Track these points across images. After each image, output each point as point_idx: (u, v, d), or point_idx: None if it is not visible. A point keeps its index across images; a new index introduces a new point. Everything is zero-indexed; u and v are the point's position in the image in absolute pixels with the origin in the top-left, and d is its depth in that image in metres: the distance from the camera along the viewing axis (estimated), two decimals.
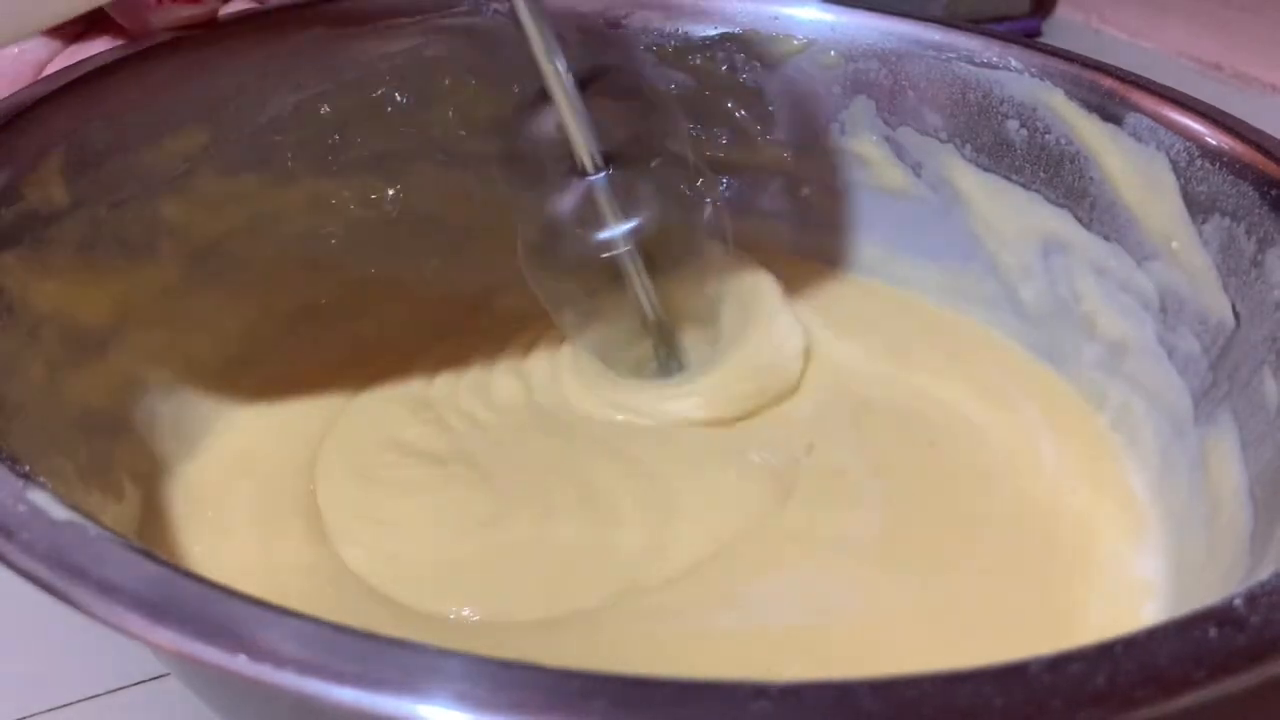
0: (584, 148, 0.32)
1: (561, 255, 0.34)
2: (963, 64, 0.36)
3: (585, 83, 0.31)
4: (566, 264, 0.34)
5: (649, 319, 0.35)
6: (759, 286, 0.37)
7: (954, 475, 0.33)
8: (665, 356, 0.36)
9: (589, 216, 0.33)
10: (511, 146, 0.35)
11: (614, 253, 0.33)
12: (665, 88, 0.39)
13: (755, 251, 0.38)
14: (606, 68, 0.35)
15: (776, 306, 0.37)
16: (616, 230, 0.33)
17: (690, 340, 0.37)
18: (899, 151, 0.38)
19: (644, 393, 0.35)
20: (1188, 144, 0.31)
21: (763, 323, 0.36)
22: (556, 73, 0.30)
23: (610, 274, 0.34)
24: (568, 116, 0.31)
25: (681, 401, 0.34)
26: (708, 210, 0.35)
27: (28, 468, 0.20)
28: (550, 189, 0.33)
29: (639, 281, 0.34)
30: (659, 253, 0.34)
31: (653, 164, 0.34)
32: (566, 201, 0.33)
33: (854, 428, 0.34)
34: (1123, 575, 0.29)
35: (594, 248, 0.33)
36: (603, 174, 0.32)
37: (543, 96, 0.31)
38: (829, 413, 0.35)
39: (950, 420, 0.35)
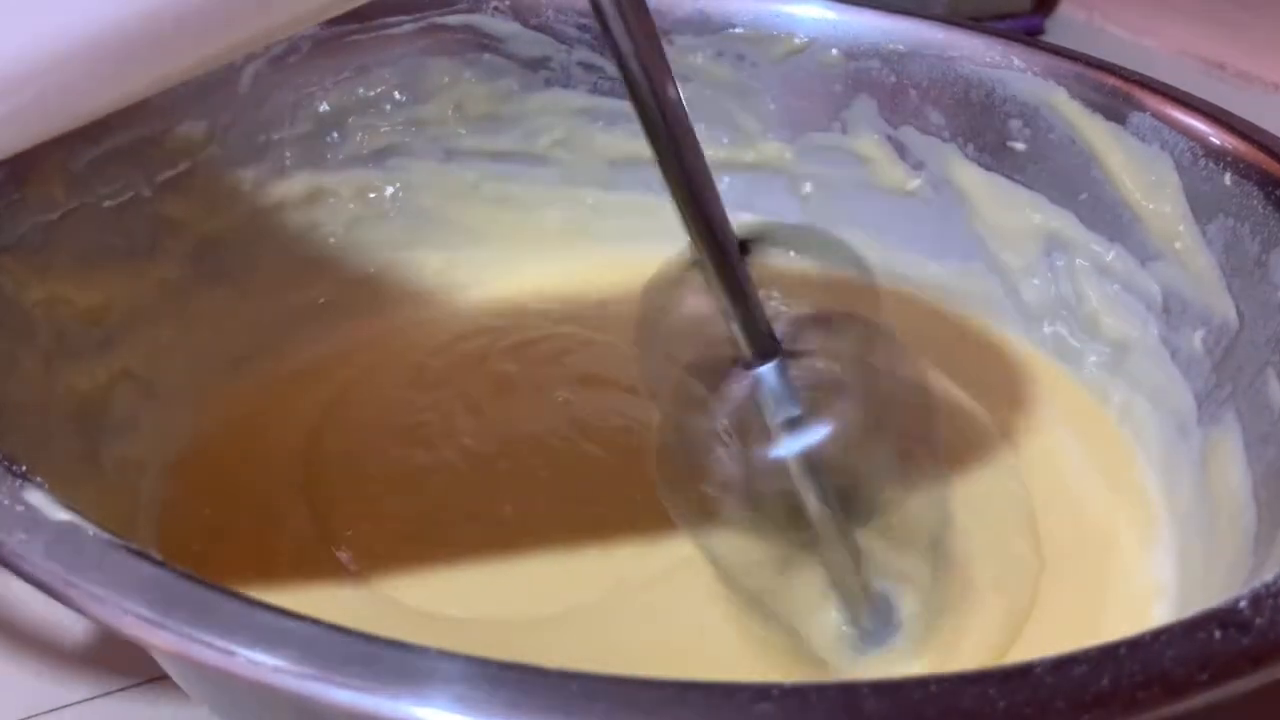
0: (744, 330, 0.23)
1: (712, 475, 0.25)
2: (965, 63, 0.36)
3: (751, 242, 0.23)
4: (719, 489, 0.25)
5: (841, 578, 0.25)
6: (994, 503, 0.30)
7: (960, 474, 0.32)
8: (860, 623, 0.26)
9: (750, 423, 0.24)
10: (653, 322, 0.26)
11: (785, 477, 0.24)
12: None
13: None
14: (779, 225, 0.28)
15: (1014, 526, 0.29)
16: (789, 445, 0.24)
17: (894, 586, 0.27)
18: (901, 151, 0.38)
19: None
20: (1191, 144, 0.31)
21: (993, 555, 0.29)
22: (708, 237, 0.22)
23: (785, 509, 0.25)
24: (720, 290, 0.22)
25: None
26: (921, 416, 0.27)
27: (25, 467, 0.20)
28: (701, 380, 0.25)
29: (826, 520, 0.24)
30: (852, 480, 0.25)
31: (843, 351, 0.25)
32: (721, 400, 0.24)
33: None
34: (1134, 576, 0.29)
35: (757, 469, 0.24)
36: (772, 363, 0.23)
37: (692, 263, 0.23)
38: None
39: (954, 416, 0.34)
